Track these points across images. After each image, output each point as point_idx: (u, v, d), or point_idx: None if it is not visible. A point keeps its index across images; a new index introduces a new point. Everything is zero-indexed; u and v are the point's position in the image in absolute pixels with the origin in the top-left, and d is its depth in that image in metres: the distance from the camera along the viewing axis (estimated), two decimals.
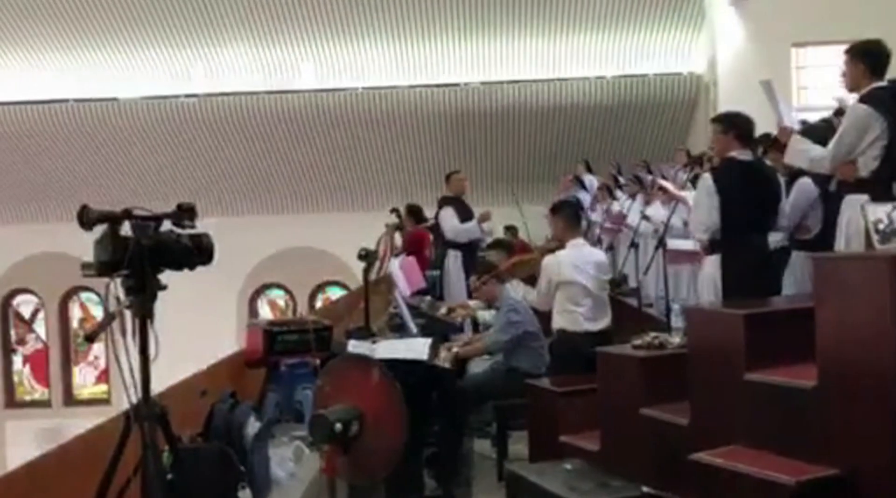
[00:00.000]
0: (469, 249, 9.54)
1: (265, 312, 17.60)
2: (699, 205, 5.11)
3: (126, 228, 2.83)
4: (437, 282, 9.42)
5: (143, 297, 2.81)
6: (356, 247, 7.37)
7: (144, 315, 2.81)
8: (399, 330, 6.67)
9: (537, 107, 15.37)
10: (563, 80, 15.29)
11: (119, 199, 2.78)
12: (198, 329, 13.92)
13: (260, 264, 17.09)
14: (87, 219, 2.74)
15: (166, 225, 2.93)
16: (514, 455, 5.91)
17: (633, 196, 9.67)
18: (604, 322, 5.90)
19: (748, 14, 12.91)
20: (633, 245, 8.15)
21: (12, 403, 17.78)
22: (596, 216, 10.80)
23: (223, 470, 3.79)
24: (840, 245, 4.50)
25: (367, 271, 7.20)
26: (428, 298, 8.35)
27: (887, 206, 4.03)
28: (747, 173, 5.07)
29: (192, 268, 2.96)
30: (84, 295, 17.69)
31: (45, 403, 17.70)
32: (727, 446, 3.51)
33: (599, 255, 6.52)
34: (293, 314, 16.15)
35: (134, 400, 2.82)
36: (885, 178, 4.37)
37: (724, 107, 10.56)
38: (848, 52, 4.59)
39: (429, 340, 5.50)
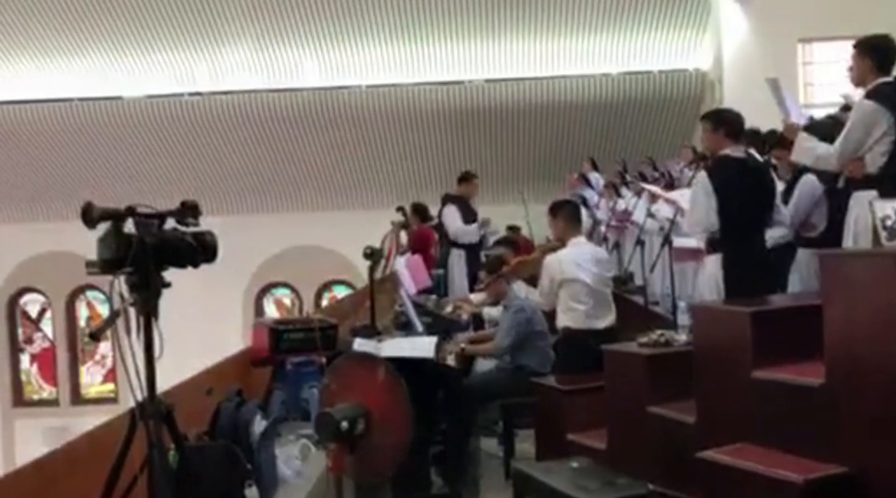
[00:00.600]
0: (472, 248, 9.54)
1: (271, 311, 17.61)
2: (697, 204, 5.08)
3: (130, 226, 2.82)
4: (442, 280, 9.42)
5: (147, 294, 2.81)
6: (362, 245, 7.38)
7: (149, 313, 2.81)
8: (405, 328, 6.67)
9: (542, 104, 15.35)
10: (568, 78, 15.26)
11: (124, 198, 2.78)
12: (204, 328, 13.95)
13: (265, 263, 17.10)
14: (90, 216, 2.74)
15: (170, 223, 2.93)
16: (520, 453, 5.90)
17: (638, 193, 9.65)
18: (608, 319, 5.89)
19: (753, 10, 12.87)
20: (639, 243, 8.15)
21: (20, 402, 17.84)
22: (602, 214, 10.78)
23: (229, 468, 3.80)
24: (848, 242, 4.48)
25: (372, 270, 7.21)
26: (433, 296, 8.35)
27: (895, 203, 4.02)
28: (742, 170, 5.05)
29: (195, 265, 2.96)
30: (91, 294, 17.73)
31: (52, 402, 17.75)
32: (734, 444, 3.50)
33: (601, 252, 6.51)
34: (299, 313, 16.15)
35: (140, 398, 2.82)
36: (894, 174, 4.35)
37: (729, 103, 10.53)
38: (855, 46, 4.56)
39: (434, 339, 5.49)
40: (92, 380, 18.02)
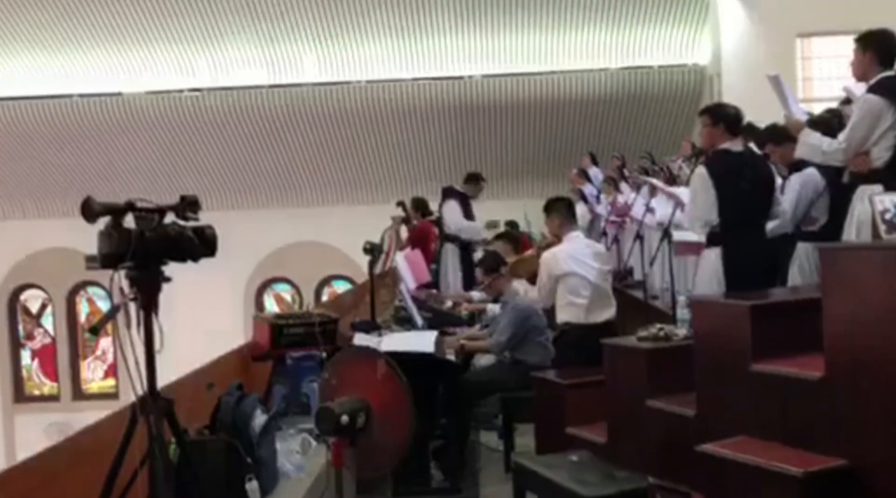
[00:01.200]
0: (466, 244, 9.52)
1: (271, 306, 17.63)
2: (696, 199, 5.08)
3: (130, 221, 2.83)
4: (436, 275, 9.43)
5: (147, 289, 2.81)
6: (362, 240, 7.40)
7: (149, 307, 2.82)
8: (405, 323, 6.68)
9: (541, 99, 15.34)
10: (567, 73, 15.26)
11: (124, 194, 2.79)
12: (204, 323, 13.96)
13: (266, 258, 17.12)
14: (90, 211, 2.74)
15: (170, 217, 2.93)
16: (520, 447, 5.90)
17: (637, 188, 9.65)
18: (608, 313, 5.89)
19: (752, 5, 12.87)
20: (639, 237, 8.15)
21: (21, 397, 17.86)
22: (601, 209, 10.79)
23: (230, 463, 3.80)
24: (851, 236, 4.48)
25: (372, 265, 7.22)
26: (434, 291, 8.36)
27: (894, 196, 4.02)
28: (740, 164, 5.05)
29: (195, 260, 2.96)
30: (91, 289, 17.74)
31: (53, 398, 17.78)
32: (734, 438, 3.50)
33: (598, 246, 6.52)
34: (299, 308, 16.17)
35: (140, 393, 2.83)
36: None
37: (728, 98, 10.54)
38: (857, 41, 4.56)
39: (434, 333, 5.51)
40: (93, 375, 18.05)
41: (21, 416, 17.29)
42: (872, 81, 4.45)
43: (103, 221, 2.80)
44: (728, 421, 3.62)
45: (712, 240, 5.05)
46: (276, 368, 5.87)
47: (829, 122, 5.13)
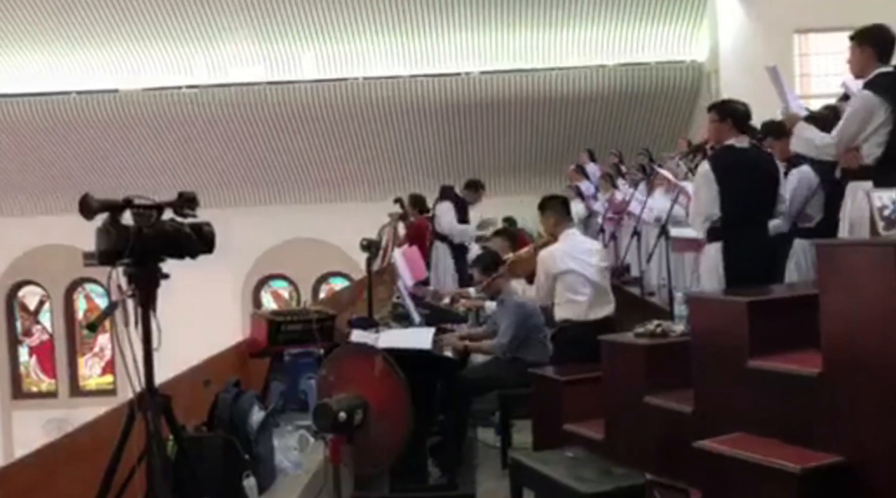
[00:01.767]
0: (458, 243, 9.53)
1: (269, 303, 17.62)
2: (699, 194, 5.09)
3: (127, 217, 2.83)
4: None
5: (145, 285, 2.81)
6: (359, 237, 7.39)
7: (147, 304, 2.82)
8: (402, 320, 6.67)
9: (538, 96, 15.34)
10: (564, 70, 15.25)
11: (122, 191, 2.79)
12: (202, 319, 13.95)
13: (263, 255, 17.12)
14: (88, 208, 2.74)
15: (168, 214, 2.93)
16: (517, 444, 5.91)
17: (635, 184, 9.66)
18: (607, 310, 5.88)
19: (750, 1, 12.87)
20: (636, 234, 8.15)
21: (19, 394, 17.86)
22: (598, 206, 10.79)
23: (227, 459, 3.81)
24: (843, 233, 4.48)
25: (370, 262, 7.21)
26: (432, 287, 8.36)
27: (892, 193, 4.02)
28: (746, 160, 5.05)
29: (193, 256, 2.96)
30: (89, 286, 17.74)
31: (51, 394, 17.78)
32: (731, 434, 3.50)
33: (594, 243, 6.50)
34: (297, 305, 16.17)
35: (138, 389, 2.83)
36: (889, 165, 4.35)
37: (726, 95, 10.53)
38: (853, 37, 4.55)
39: (432, 330, 5.51)
40: (90, 372, 18.05)
41: (19, 412, 17.29)
42: (869, 77, 4.45)
43: (101, 218, 2.80)
44: (725, 417, 3.62)
45: (713, 235, 5.05)
46: (274, 364, 5.88)
47: (826, 118, 5.13)
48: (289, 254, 17.00)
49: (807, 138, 4.66)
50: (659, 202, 8.13)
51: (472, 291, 7.72)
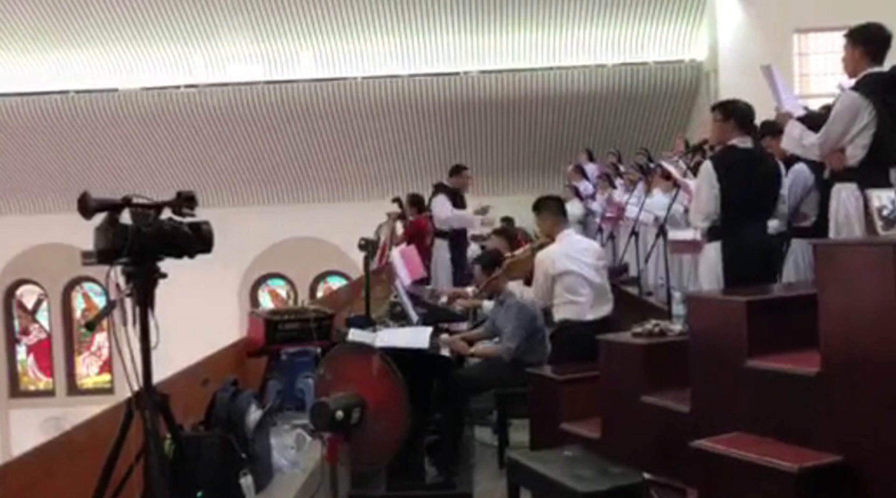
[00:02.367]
0: (457, 240, 9.51)
1: (266, 302, 17.63)
2: (700, 193, 5.08)
3: (126, 216, 2.83)
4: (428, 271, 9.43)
5: (143, 284, 2.81)
6: (357, 236, 7.39)
7: (145, 303, 2.82)
8: (400, 319, 6.67)
9: (537, 96, 15.34)
10: (563, 69, 15.25)
11: (120, 190, 2.80)
12: (200, 318, 13.95)
13: (261, 254, 17.12)
14: (87, 207, 2.74)
15: (166, 213, 2.93)
16: (515, 443, 5.92)
17: (633, 183, 9.67)
18: (605, 310, 5.88)
19: (749, 0, 12.87)
20: (634, 233, 8.15)
21: (17, 392, 17.86)
22: (596, 205, 10.80)
23: (225, 458, 3.81)
24: (831, 233, 4.48)
25: (367, 261, 7.21)
26: (429, 286, 8.35)
27: (891, 193, 4.02)
28: (748, 160, 5.05)
29: (192, 256, 2.96)
30: (87, 285, 17.74)
31: (49, 393, 17.77)
32: (729, 433, 3.50)
33: (591, 243, 6.49)
34: (294, 304, 16.17)
35: (136, 388, 2.83)
36: (874, 167, 4.34)
37: (725, 94, 10.53)
38: (846, 36, 4.54)
39: (429, 329, 5.50)
40: (88, 370, 18.05)
41: (16, 411, 17.29)
42: (857, 78, 4.44)
43: (100, 217, 2.80)
44: (723, 417, 3.63)
45: (712, 234, 5.05)
46: (271, 363, 5.87)
47: (823, 118, 5.13)
48: (287, 253, 17.00)
49: (794, 137, 4.67)
50: (658, 201, 8.13)
51: (469, 290, 7.72)
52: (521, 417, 5.83)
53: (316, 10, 14.72)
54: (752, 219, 5.01)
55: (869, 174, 4.30)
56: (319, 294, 16.80)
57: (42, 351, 18.06)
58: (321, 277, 17.62)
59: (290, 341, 5.79)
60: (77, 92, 15.71)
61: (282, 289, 17.97)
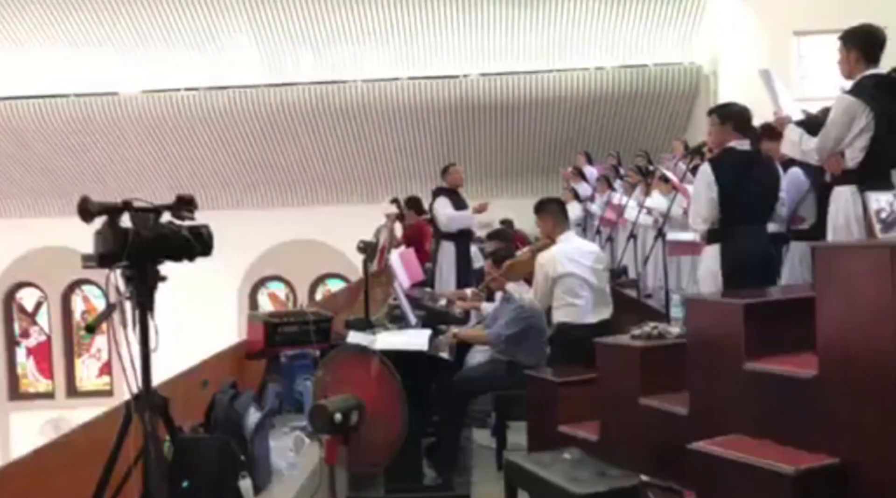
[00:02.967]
0: (462, 242, 9.52)
1: (266, 305, 17.63)
2: (698, 196, 5.09)
3: (126, 220, 2.84)
4: (430, 274, 9.44)
5: (142, 288, 2.82)
6: (356, 239, 7.39)
7: (144, 306, 2.83)
8: (399, 321, 6.68)
9: (537, 98, 15.35)
10: (563, 72, 15.27)
11: (120, 193, 2.81)
12: (199, 321, 13.97)
13: (260, 257, 17.12)
14: (87, 211, 2.75)
15: (166, 217, 2.94)
16: (513, 445, 5.92)
17: (632, 186, 9.68)
18: (605, 313, 5.88)
19: (748, 3, 12.88)
20: (632, 236, 8.16)
21: (16, 395, 17.86)
22: (595, 207, 10.81)
23: (223, 460, 3.81)
24: (828, 237, 4.49)
25: (366, 263, 7.22)
26: (428, 289, 8.36)
27: (889, 195, 4.03)
28: (746, 163, 5.06)
29: (191, 259, 2.97)
30: (87, 288, 17.76)
31: (48, 395, 17.77)
32: (726, 436, 3.51)
33: (592, 246, 6.50)
34: (293, 306, 16.17)
35: (135, 390, 2.84)
36: (872, 170, 4.34)
37: (725, 97, 10.56)
38: (841, 38, 4.54)
39: (428, 332, 5.51)
40: (87, 373, 18.05)
41: (16, 413, 17.29)
42: (854, 81, 4.44)
43: (100, 221, 2.81)
44: (721, 419, 3.63)
45: (711, 237, 5.06)
46: (270, 366, 5.88)
47: (821, 120, 5.13)
48: (286, 255, 17.01)
49: (792, 141, 4.67)
50: (656, 204, 8.14)
51: (468, 292, 7.73)
52: (520, 420, 5.83)
53: (315, 14, 14.74)
54: (751, 221, 5.02)
55: (868, 177, 4.30)
56: (319, 296, 16.80)
57: (42, 353, 18.07)
58: (320, 279, 17.63)
59: (289, 344, 5.80)
60: (77, 95, 15.73)
61: (281, 291, 17.98)
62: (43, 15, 14.69)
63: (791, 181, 5.43)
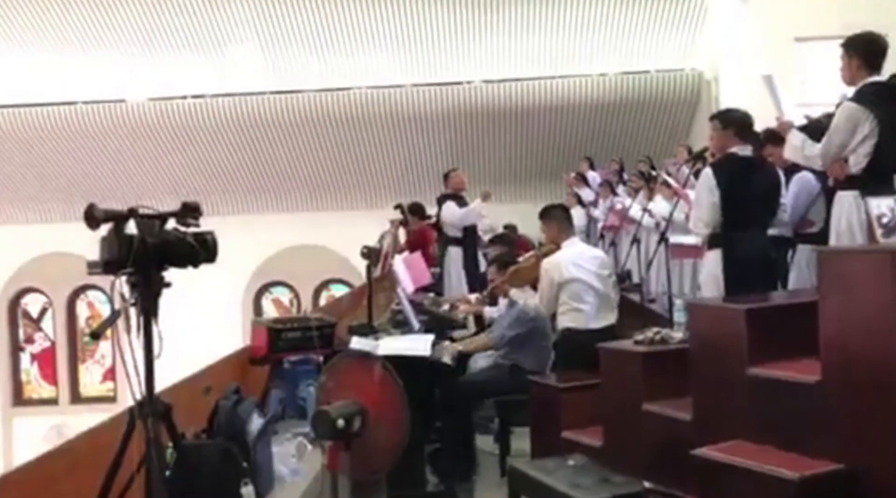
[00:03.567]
0: (469, 247, 9.55)
1: (269, 310, 17.63)
2: (700, 200, 5.10)
3: (131, 227, 2.85)
4: (439, 279, 9.44)
5: (147, 294, 2.83)
6: (360, 245, 7.41)
7: (149, 312, 2.84)
8: (402, 326, 6.68)
9: (540, 105, 15.37)
10: (566, 78, 15.28)
11: (126, 199, 2.81)
12: (203, 327, 13.97)
13: (264, 262, 17.13)
14: (93, 217, 2.77)
15: (171, 223, 2.95)
16: (516, 451, 5.91)
17: (636, 191, 9.69)
18: (610, 319, 5.87)
19: (750, 9, 12.88)
20: (636, 241, 8.16)
21: (20, 400, 17.86)
22: (598, 213, 10.81)
23: (226, 466, 3.82)
24: (832, 241, 4.50)
25: (370, 269, 7.23)
26: (431, 294, 8.36)
27: (890, 201, 4.03)
28: (748, 168, 5.07)
29: (196, 266, 2.99)
30: (91, 294, 17.76)
31: (52, 401, 17.77)
32: (730, 442, 3.51)
33: (597, 252, 6.50)
34: (297, 312, 16.18)
35: (138, 397, 2.84)
36: (875, 175, 4.35)
37: (726, 103, 10.55)
38: (843, 45, 4.55)
39: (431, 337, 5.51)
40: (91, 379, 18.05)
41: (20, 419, 17.30)
42: (856, 88, 4.45)
43: (105, 227, 2.83)
44: (724, 425, 3.63)
45: (713, 242, 5.06)
46: (274, 371, 5.89)
47: (825, 127, 5.14)
48: (290, 261, 17.02)
49: (796, 147, 4.68)
50: (659, 208, 8.15)
51: (472, 297, 7.73)
52: (523, 426, 5.83)
53: (321, 21, 14.77)
54: (752, 226, 5.03)
55: (871, 182, 4.31)
56: (322, 302, 16.80)
57: (46, 359, 18.07)
58: (324, 284, 17.63)
59: (292, 349, 5.81)
60: (84, 102, 15.77)
61: (285, 297, 17.98)
62: (50, 23, 14.73)
63: (801, 185, 5.43)
